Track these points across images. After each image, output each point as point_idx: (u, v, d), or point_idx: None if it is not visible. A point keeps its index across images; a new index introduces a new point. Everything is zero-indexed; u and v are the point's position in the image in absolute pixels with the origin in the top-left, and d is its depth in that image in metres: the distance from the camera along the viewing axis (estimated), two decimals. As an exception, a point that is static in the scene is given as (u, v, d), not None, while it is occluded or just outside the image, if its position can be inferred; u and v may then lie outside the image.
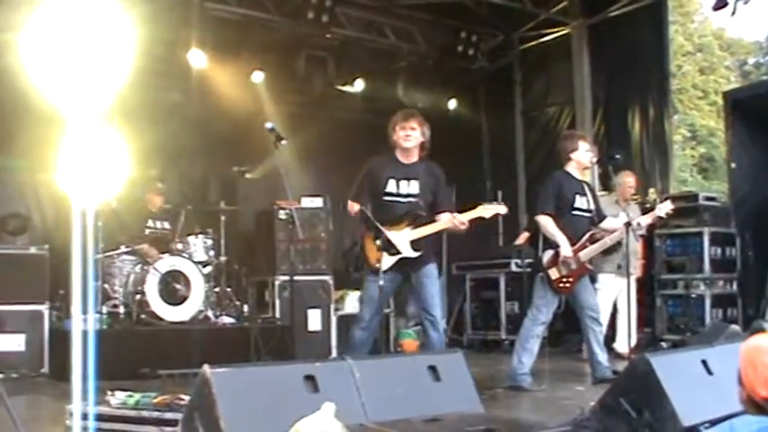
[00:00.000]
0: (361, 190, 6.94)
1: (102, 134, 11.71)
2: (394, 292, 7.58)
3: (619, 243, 8.23)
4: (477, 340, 12.17)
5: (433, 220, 6.84)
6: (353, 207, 6.87)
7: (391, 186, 6.83)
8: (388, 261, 6.70)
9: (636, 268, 9.50)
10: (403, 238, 6.70)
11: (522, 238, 12.03)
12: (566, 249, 7.44)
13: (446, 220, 6.86)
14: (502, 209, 7.04)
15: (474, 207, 6.96)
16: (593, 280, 7.97)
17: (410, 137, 6.84)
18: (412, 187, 6.83)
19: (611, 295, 9.37)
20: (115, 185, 11.34)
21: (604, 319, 9.02)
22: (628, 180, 9.73)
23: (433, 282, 6.93)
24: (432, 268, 6.95)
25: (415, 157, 6.93)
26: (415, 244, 6.74)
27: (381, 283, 6.64)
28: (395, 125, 6.95)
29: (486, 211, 6.96)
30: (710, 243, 10.34)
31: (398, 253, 6.69)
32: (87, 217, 10.47)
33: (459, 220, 6.84)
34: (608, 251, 8.88)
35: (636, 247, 9.37)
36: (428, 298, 6.85)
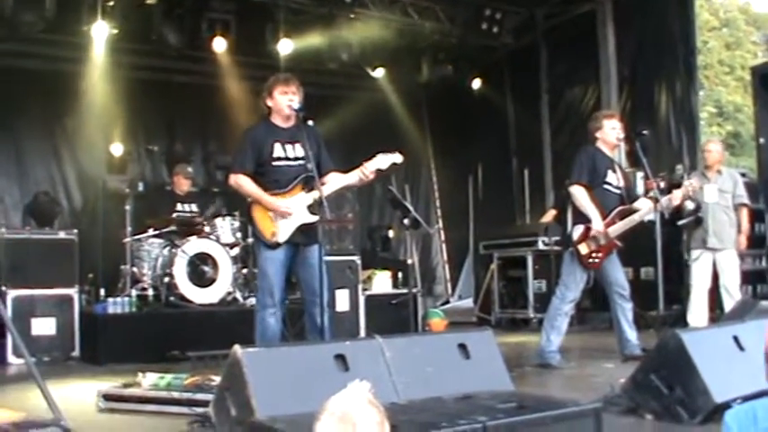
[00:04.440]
0: (247, 159, 6.44)
1: (126, 119, 11.80)
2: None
3: (697, 218, 8.47)
4: (505, 319, 12.14)
5: (323, 183, 6.30)
6: (238, 178, 6.40)
7: (278, 151, 6.41)
8: (286, 230, 6.33)
9: (733, 241, 9.15)
10: (299, 202, 6.33)
11: (549, 215, 12.00)
12: (597, 223, 7.40)
13: (353, 174, 6.41)
14: (397, 157, 6.49)
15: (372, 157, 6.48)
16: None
17: (293, 101, 6.40)
18: (298, 150, 6.41)
19: (702, 267, 9.16)
20: (142, 169, 11.46)
21: (700, 292, 9.04)
22: (708, 147, 9.47)
23: (319, 261, 6.22)
24: (318, 248, 6.22)
25: (293, 121, 6.49)
26: (311, 208, 6.31)
27: (282, 257, 6.35)
28: (273, 88, 6.49)
29: (383, 161, 6.43)
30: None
31: (297, 219, 6.31)
32: (115, 201, 10.57)
33: (370, 170, 6.36)
34: (693, 226, 8.92)
35: (727, 219, 9.14)
36: (317, 276, 6.21)
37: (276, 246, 6.33)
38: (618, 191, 7.67)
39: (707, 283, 9.12)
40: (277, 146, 6.43)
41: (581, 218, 7.55)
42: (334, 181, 6.46)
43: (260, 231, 6.40)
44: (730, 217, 9.16)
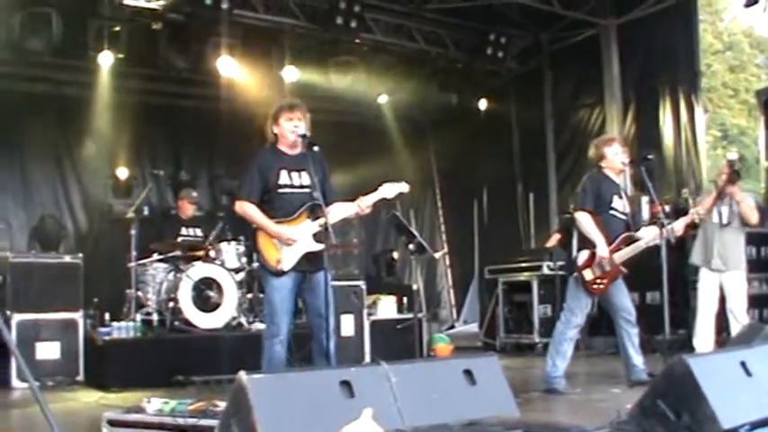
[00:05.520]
0: (253, 187, 6.41)
1: (132, 143, 11.82)
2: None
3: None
4: (510, 343, 12.08)
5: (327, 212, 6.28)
6: (244, 206, 6.38)
7: (284, 178, 6.40)
8: (291, 258, 6.30)
9: (740, 262, 9.05)
10: (305, 230, 6.32)
11: (554, 239, 11.96)
12: (602, 249, 7.37)
13: (351, 205, 6.45)
14: (404, 187, 6.56)
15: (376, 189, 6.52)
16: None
17: (298, 127, 6.40)
18: (304, 178, 6.40)
19: (708, 289, 9.04)
20: (147, 193, 11.47)
21: (706, 315, 8.95)
22: (723, 168, 9.44)
23: (325, 286, 6.25)
24: (325, 275, 6.29)
25: (299, 148, 6.48)
26: (317, 236, 6.30)
27: (289, 284, 6.32)
28: (279, 115, 6.48)
29: (389, 190, 6.49)
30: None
31: (302, 247, 6.29)
32: (120, 225, 10.57)
33: (366, 204, 6.42)
34: (698, 245, 9.04)
35: (734, 240, 9.05)
36: (323, 300, 6.19)
37: (281, 273, 6.29)
38: (624, 217, 7.64)
39: (713, 306, 9.05)
40: (283, 173, 6.42)
41: (586, 243, 7.52)
42: (335, 212, 6.43)
43: (265, 259, 6.36)
44: (737, 238, 9.12)
